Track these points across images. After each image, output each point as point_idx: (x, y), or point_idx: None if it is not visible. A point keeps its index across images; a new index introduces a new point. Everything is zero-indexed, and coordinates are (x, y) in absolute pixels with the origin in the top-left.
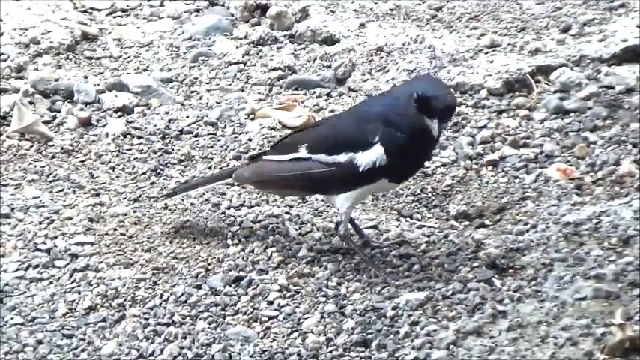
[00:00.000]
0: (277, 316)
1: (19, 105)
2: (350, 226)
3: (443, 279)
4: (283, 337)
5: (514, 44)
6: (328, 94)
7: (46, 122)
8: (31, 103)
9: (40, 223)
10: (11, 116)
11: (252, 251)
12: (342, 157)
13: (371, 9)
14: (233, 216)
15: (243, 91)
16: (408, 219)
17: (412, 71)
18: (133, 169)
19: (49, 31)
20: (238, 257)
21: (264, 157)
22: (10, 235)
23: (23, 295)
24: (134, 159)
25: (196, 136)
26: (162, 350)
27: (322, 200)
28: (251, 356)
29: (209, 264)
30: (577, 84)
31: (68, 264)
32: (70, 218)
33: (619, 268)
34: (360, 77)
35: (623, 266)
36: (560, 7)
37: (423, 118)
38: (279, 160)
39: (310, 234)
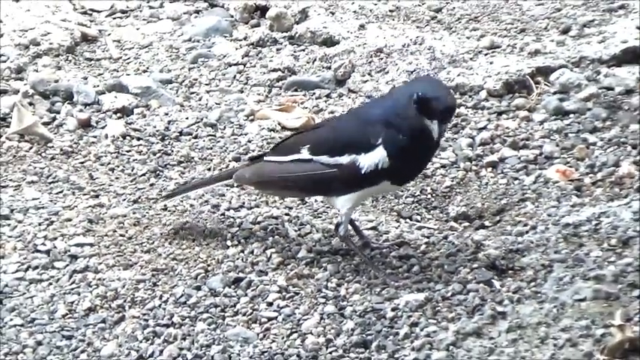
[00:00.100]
0: (277, 317)
1: (18, 106)
2: (350, 227)
3: (442, 280)
4: (283, 338)
5: (514, 45)
6: (328, 96)
7: (45, 123)
8: (30, 104)
9: (40, 225)
10: (11, 117)
11: (252, 252)
12: (345, 159)
13: (371, 10)
14: (232, 217)
15: (242, 92)
16: (408, 220)
17: (412, 72)
18: (132, 171)
19: (48, 33)
20: (238, 258)
21: (265, 158)
22: (10, 237)
23: (23, 296)
24: (133, 160)
25: (196, 137)
26: (161, 351)
27: (322, 201)
28: (250, 357)
29: (208, 265)
30: (577, 85)
31: (68, 265)
32: (70, 219)
33: (619, 270)
34: (359, 78)
35: (622, 267)
36: (559, 9)
37: (422, 120)
38: (281, 161)
39: (310, 235)
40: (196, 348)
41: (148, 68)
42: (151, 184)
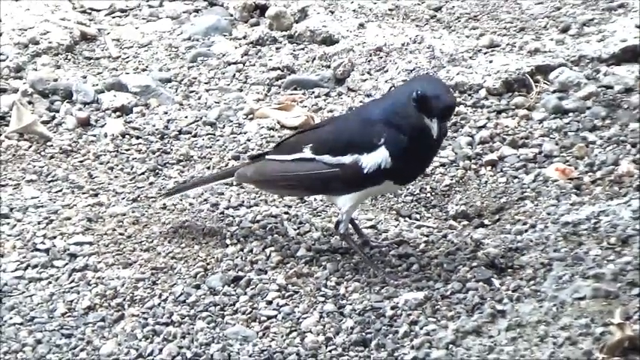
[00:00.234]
0: (276, 315)
1: (17, 105)
2: (350, 224)
3: (442, 279)
4: (282, 336)
5: (513, 44)
6: (327, 94)
7: (44, 122)
8: (29, 103)
9: (39, 223)
10: (10, 116)
11: (251, 251)
12: (347, 159)
13: (370, 9)
14: (232, 216)
15: (242, 91)
16: (407, 219)
17: (411, 71)
18: (131, 169)
19: (47, 32)
20: (237, 257)
21: (266, 157)
22: (9, 235)
23: (22, 295)
24: (133, 159)
25: (195, 136)
26: (161, 350)
27: (321, 200)
28: (250, 356)
29: (208, 264)
30: (576, 84)
31: (67, 264)
32: (69, 218)
33: (618, 268)
34: (359, 77)
35: (622, 266)
36: (559, 7)
37: (422, 118)
38: (283, 160)
39: (309, 234)
40: (196, 347)
41: (147, 67)
42: (150, 183)
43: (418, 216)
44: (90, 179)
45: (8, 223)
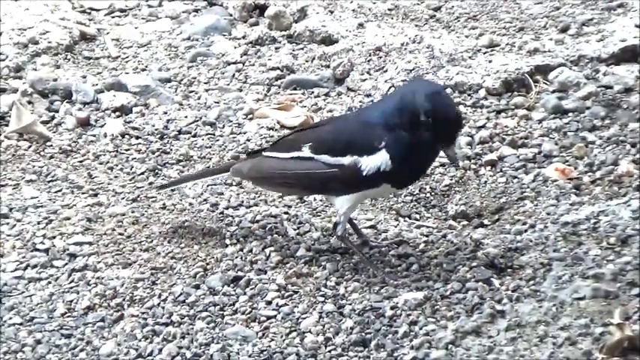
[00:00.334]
0: (276, 315)
1: (17, 105)
2: (348, 225)
3: (441, 279)
4: (282, 336)
5: (513, 44)
6: (327, 94)
7: (44, 122)
8: (29, 103)
9: (39, 223)
10: (9, 116)
11: (251, 251)
12: (346, 160)
13: (369, 9)
14: (231, 216)
15: (241, 91)
16: (407, 219)
17: (411, 71)
18: (131, 169)
19: (47, 31)
20: (237, 257)
21: (264, 154)
22: (9, 235)
23: (22, 295)
24: (132, 159)
25: (195, 136)
26: (160, 350)
27: (321, 200)
28: (249, 356)
29: (207, 264)
30: (575, 84)
31: (66, 264)
32: (69, 218)
33: (617, 268)
34: (358, 77)
35: (621, 266)
36: (558, 7)
37: (434, 141)
38: (281, 158)
39: (309, 234)
40: (195, 347)
41: (146, 67)
42: (150, 183)
43: (418, 216)
44: (89, 179)
45: (8, 223)
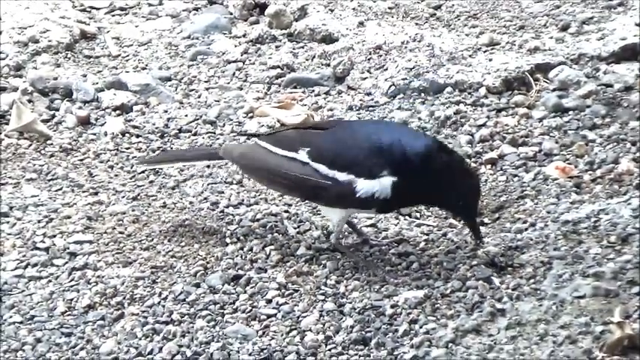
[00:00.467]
0: (276, 314)
1: (17, 103)
2: (346, 226)
3: (442, 277)
4: (282, 335)
5: (513, 42)
6: (327, 93)
7: (44, 121)
8: (29, 101)
9: (39, 222)
10: (10, 115)
11: (251, 250)
12: (343, 176)
13: (370, 7)
14: (232, 214)
15: (241, 89)
16: (407, 217)
17: (411, 69)
18: (131, 168)
19: (47, 30)
20: (237, 256)
21: (257, 141)
22: (9, 234)
23: (22, 293)
24: (133, 157)
25: (195, 134)
26: (160, 349)
27: None
28: (250, 355)
29: (208, 262)
30: (576, 82)
31: (67, 262)
32: (69, 217)
33: (618, 267)
34: (358, 75)
35: (622, 264)
36: (559, 6)
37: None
38: (274, 153)
39: (309, 232)
40: (195, 345)
41: (147, 65)
42: (150, 182)
43: (418, 214)
44: (90, 178)
45: (8, 222)
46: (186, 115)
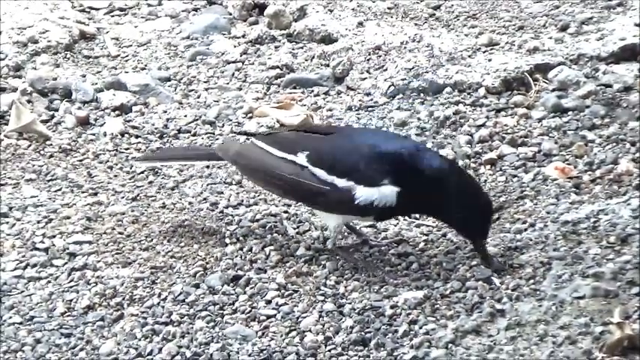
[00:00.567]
0: (275, 315)
1: (17, 104)
2: (345, 227)
3: (441, 278)
4: (281, 336)
5: (512, 43)
6: (326, 93)
7: (44, 121)
8: (29, 102)
9: (38, 222)
10: (9, 115)
11: (251, 250)
12: (342, 182)
13: (369, 8)
14: (231, 215)
15: (241, 89)
16: (406, 218)
17: (410, 70)
18: (130, 168)
19: (47, 30)
20: (236, 256)
21: (254, 141)
22: (8, 234)
23: (21, 294)
24: (132, 158)
25: (194, 134)
26: (160, 349)
27: None
28: (249, 355)
29: (207, 263)
30: (575, 82)
31: (66, 263)
32: (68, 217)
33: (617, 267)
34: (358, 76)
35: (621, 265)
36: (558, 6)
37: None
38: (272, 154)
39: (308, 233)
40: (195, 346)
41: (146, 66)
42: (150, 182)
43: (417, 215)
44: (89, 178)
45: (7, 222)
46: (185, 116)
